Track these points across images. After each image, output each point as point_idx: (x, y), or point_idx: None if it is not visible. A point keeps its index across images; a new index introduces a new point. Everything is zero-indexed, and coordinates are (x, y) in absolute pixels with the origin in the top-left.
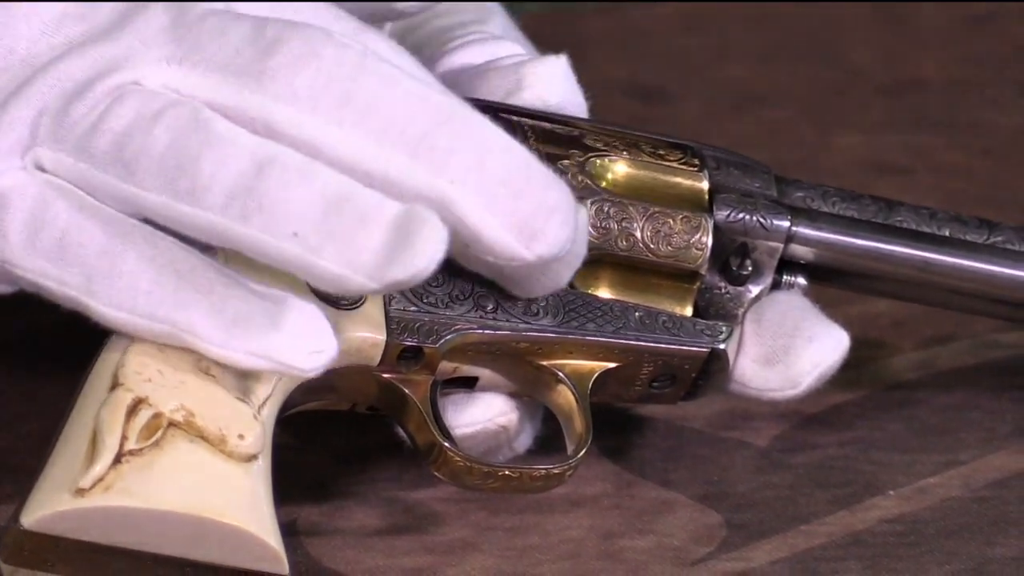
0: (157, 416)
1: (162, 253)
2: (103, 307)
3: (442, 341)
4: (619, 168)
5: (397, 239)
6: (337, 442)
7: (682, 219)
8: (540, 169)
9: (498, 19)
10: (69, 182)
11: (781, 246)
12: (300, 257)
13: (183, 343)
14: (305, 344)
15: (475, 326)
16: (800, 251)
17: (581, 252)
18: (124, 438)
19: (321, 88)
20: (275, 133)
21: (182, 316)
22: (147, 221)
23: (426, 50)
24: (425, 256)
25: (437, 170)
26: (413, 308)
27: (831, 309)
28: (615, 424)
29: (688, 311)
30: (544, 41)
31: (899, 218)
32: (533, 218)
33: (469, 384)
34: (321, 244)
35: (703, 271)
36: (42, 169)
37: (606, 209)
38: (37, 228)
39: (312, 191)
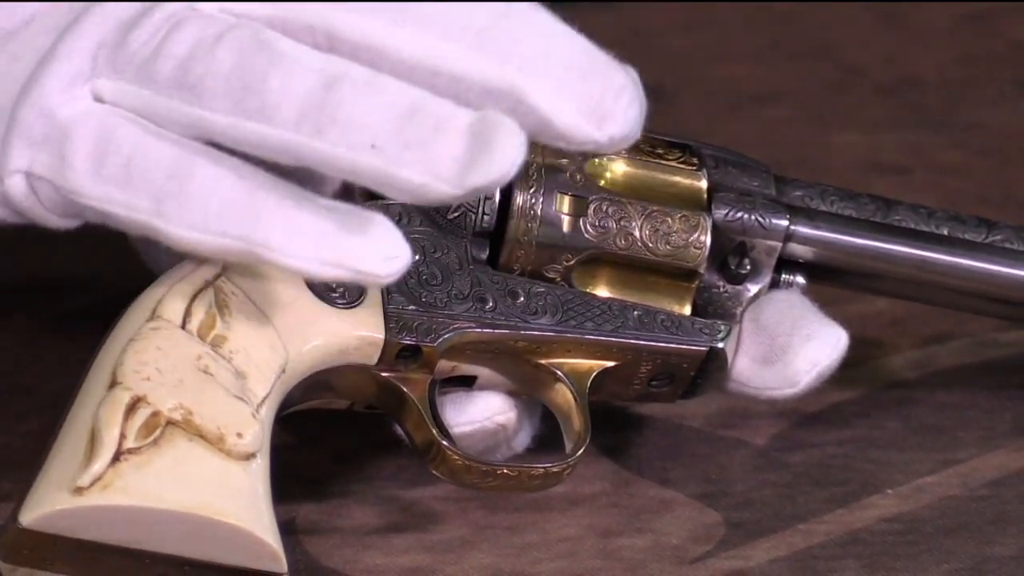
0: (155, 415)
1: (230, 172)
2: (175, 228)
3: (440, 340)
4: (618, 167)
5: (476, 144)
6: (336, 441)
7: (681, 218)
8: (602, 54)
9: None
10: (131, 111)
11: (779, 245)
12: (379, 168)
13: (259, 259)
14: (381, 249)
15: (474, 325)
16: (799, 250)
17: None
18: (123, 437)
19: None
20: (338, 42)
21: (256, 231)
22: (213, 145)
23: None
24: (507, 160)
25: (504, 60)
26: (412, 307)
27: (830, 308)
28: (614, 423)
29: (687, 310)
30: None
31: (897, 217)
32: (603, 99)
33: (468, 383)
34: (400, 154)
35: (702, 270)
36: (102, 101)
37: (605, 208)
38: (102, 155)
39: (384, 103)
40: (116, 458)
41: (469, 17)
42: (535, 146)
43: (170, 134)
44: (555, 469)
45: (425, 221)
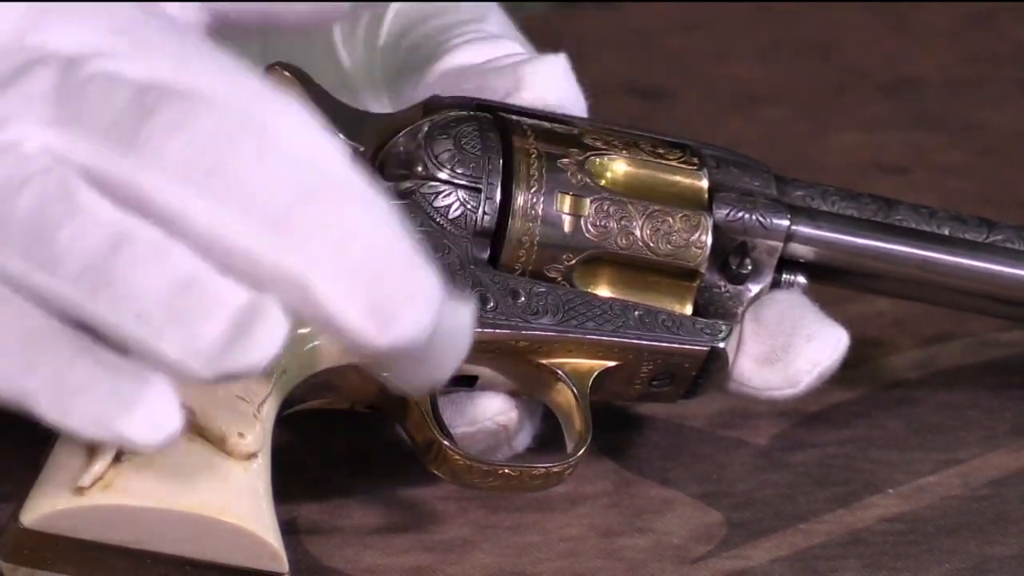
0: None
1: (13, 316)
2: None
3: None
4: (618, 167)
5: (236, 330)
6: (337, 441)
7: (681, 218)
8: (407, 252)
9: (495, 17)
10: None
11: (780, 245)
12: (141, 339)
13: (28, 408)
14: (147, 418)
15: (475, 325)
16: (800, 250)
17: (459, 347)
18: None
19: (191, 157)
20: (142, 203)
21: (26, 380)
22: None
23: (424, 49)
24: (260, 351)
25: (297, 249)
26: None
27: (831, 308)
28: (615, 422)
29: (688, 310)
30: (544, 40)
31: (898, 217)
32: (389, 302)
33: (468, 383)
34: (162, 327)
35: (702, 270)
36: None
37: (606, 207)
38: None
39: (162, 272)
40: (117, 458)
41: (274, 197)
42: (535, 145)
43: None
44: (556, 469)
45: (426, 221)
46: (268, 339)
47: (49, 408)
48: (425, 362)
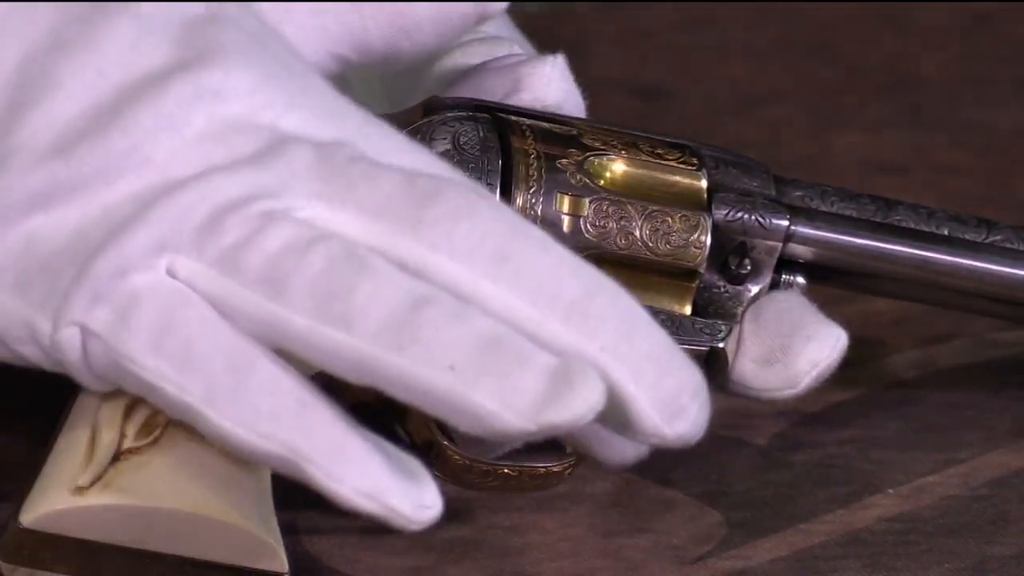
0: (155, 414)
1: (289, 377)
2: (222, 420)
3: None
4: (617, 167)
5: (556, 382)
6: None
7: (681, 218)
8: (680, 351)
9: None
10: (204, 294)
11: (780, 245)
12: (452, 391)
13: (298, 471)
14: (418, 497)
15: None
16: (799, 250)
17: None
18: (123, 436)
19: (478, 243)
20: (427, 280)
21: (303, 443)
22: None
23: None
24: (587, 402)
25: (588, 336)
26: None
27: (830, 307)
28: None
29: (687, 310)
30: (544, 40)
31: (898, 217)
32: (678, 397)
33: None
34: (478, 378)
35: (702, 270)
36: (175, 277)
37: (604, 208)
38: (165, 329)
39: (469, 329)
40: (116, 458)
41: (561, 287)
42: (534, 145)
43: (235, 325)
44: (557, 468)
45: None
46: (592, 391)
47: (320, 474)
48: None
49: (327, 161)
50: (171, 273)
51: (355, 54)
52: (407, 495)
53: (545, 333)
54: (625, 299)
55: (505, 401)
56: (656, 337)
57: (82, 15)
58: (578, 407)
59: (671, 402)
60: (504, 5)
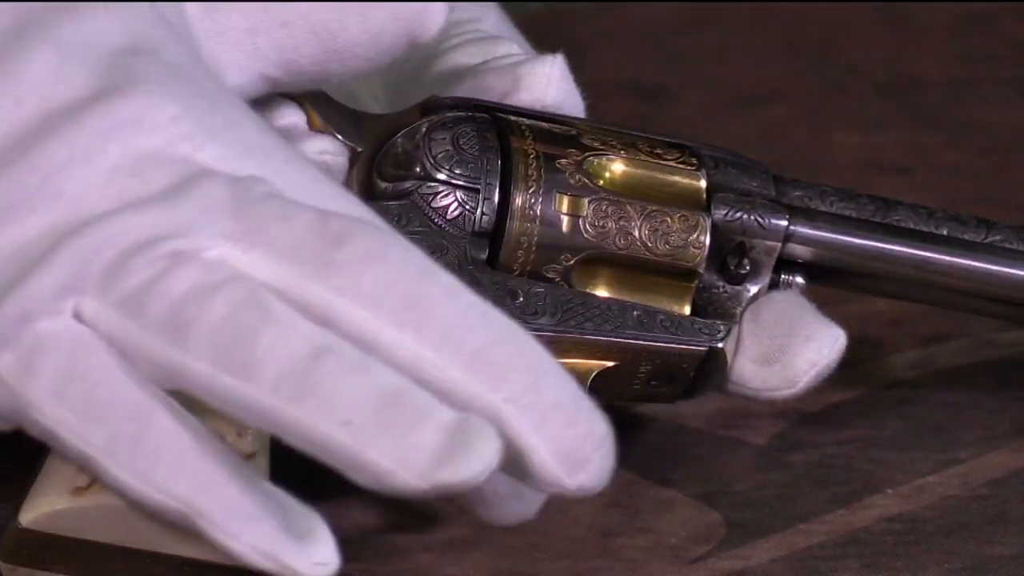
0: None
1: (188, 431)
2: (120, 472)
3: None
4: (616, 167)
5: (453, 441)
6: None
7: (680, 218)
8: (588, 401)
9: (492, 16)
10: (106, 336)
11: (779, 245)
12: (348, 447)
13: (193, 526)
14: (314, 555)
15: None
16: (798, 250)
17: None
18: None
19: (386, 288)
20: (332, 326)
21: (200, 500)
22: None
23: (421, 51)
24: (482, 461)
25: (493, 385)
26: None
27: (829, 307)
28: (614, 423)
29: (686, 310)
30: (544, 40)
31: (897, 217)
32: (581, 447)
33: None
34: (373, 436)
35: (701, 270)
36: (80, 318)
37: (603, 208)
38: (69, 378)
39: (369, 383)
40: None
41: (469, 335)
42: (533, 145)
43: (137, 373)
44: None
45: (424, 222)
46: (487, 451)
47: (216, 530)
48: (520, 501)
49: (240, 198)
50: (77, 315)
51: (286, 75)
52: (302, 553)
53: (449, 382)
54: (532, 347)
55: (400, 460)
56: (562, 386)
57: (1, 42)
58: (473, 467)
59: (573, 453)
60: (435, 31)
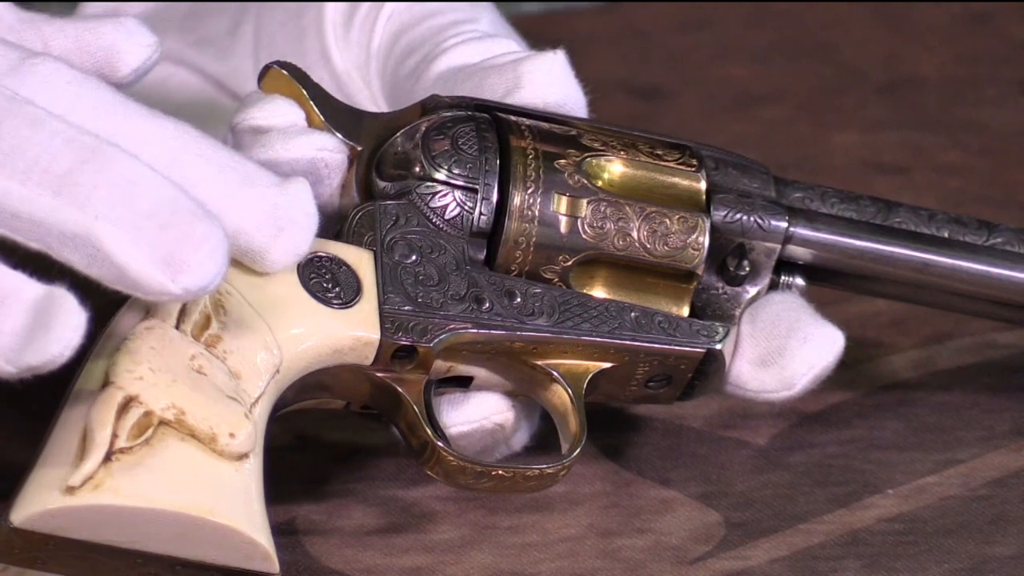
0: (148, 414)
1: None
2: None
3: (436, 340)
4: (616, 168)
5: (36, 321)
6: (336, 441)
7: (679, 219)
8: (189, 203)
9: (488, 16)
10: None
11: (779, 247)
12: None
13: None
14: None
15: (470, 326)
16: (798, 252)
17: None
18: (114, 436)
19: None
20: None
21: None
22: None
23: (420, 51)
24: (60, 342)
25: (82, 206)
26: (407, 307)
27: (830, 307)
28: (614, 423)
29: (685, 311)
30: (541, 41)
31: (898, 219)
32: (179, 250)
33: (464, 383)
34: None
35: (700, 271)
36: None
37: (603, 209)
38: None
39: None
40: (108, 458)
41: (52, 160)
42: (532, 145)
43: None
44: (550, 470)
45: (422, 221)
46: (67, 327)
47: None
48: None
49: None
50: None
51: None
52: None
53: (40, 211)
54: (122, 163)
55: None
56: (156, 193)
57: None
58: (52, 348)
59: (171, 256)
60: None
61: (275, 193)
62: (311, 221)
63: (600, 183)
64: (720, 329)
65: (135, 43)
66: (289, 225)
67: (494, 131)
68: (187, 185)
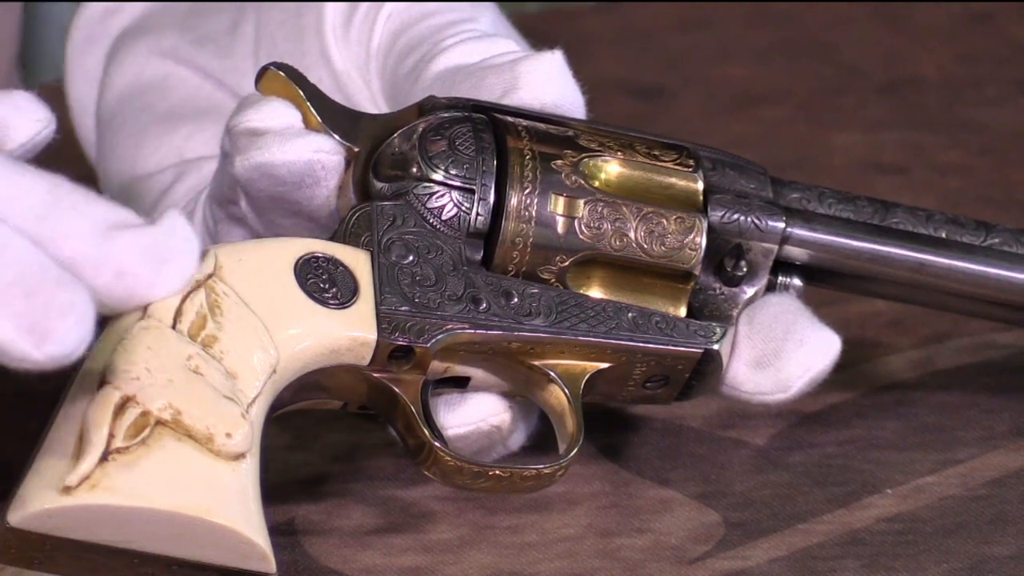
0: (144, 414)
1: None
2: None
3: (433, 341)
4: (613, 168)
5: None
6: (334, 441)
7: (676, 219)
8: (56, 270)
9: (488, 15)
10: None
11: (776, 247)
12: None
13: None
14: None
15: (467, 326)
16: (795, 252)
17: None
18: (111, 436)
19: None
20: None
21: None
22: None
23: (419, 51)
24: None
25: None
26: (404, 308)
27: (829, 307)
28: (612, 423)
29: (682, 311)
30: (541, 41)
31: (895, 220)
32: (44, 319)
33: (461, 384)
34: None
35: (697, 272)
36: None
37: (600, 209)
38: None
39: None
40: (104, 458)
41: None
42: (529, 146)
43: None
44: (547, 471)
45: (419, 222)
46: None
47: None
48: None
49: None
50: None
51: None
52: None
53: None
54: None
55: None
56: (22, 261)
57: None
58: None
59: (36, 325)
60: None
61: (151, 231)
62: (192, 245)
63: (597, 184)
64: (717, 329)
65: (25, 118)
66: (171, 255)
67: (491, 132)
68: (61, 238)
